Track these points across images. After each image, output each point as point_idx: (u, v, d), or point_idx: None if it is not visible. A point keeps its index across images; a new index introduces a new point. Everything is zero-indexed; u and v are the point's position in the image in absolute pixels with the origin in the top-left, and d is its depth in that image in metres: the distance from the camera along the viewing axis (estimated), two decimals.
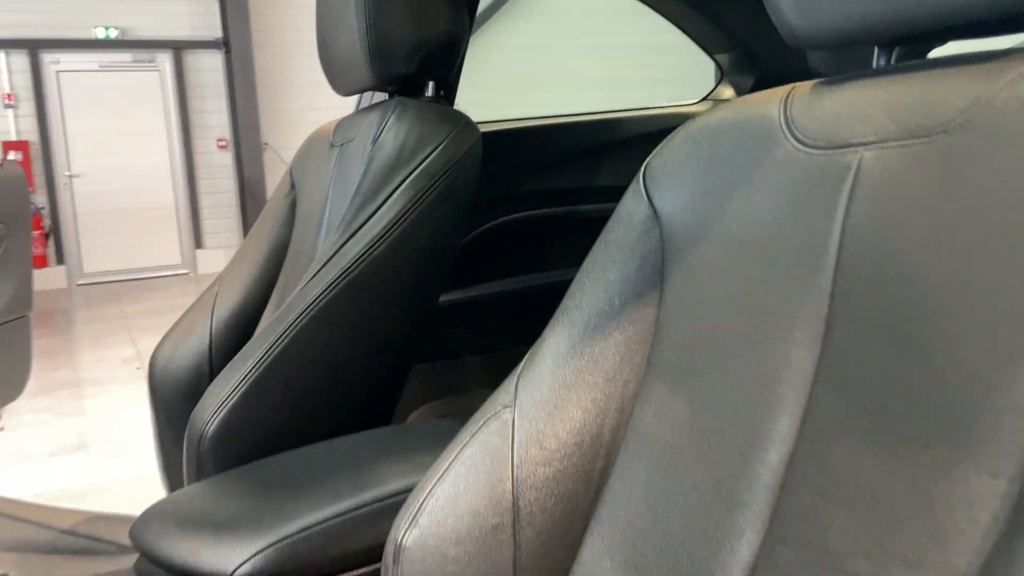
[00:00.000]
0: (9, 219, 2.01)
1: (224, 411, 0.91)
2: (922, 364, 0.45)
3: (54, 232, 6.95)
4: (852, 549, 0.47)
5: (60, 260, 7.00)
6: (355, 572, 0.72)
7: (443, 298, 1.47)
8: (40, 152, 6.79)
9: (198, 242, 7.52)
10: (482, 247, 1.50)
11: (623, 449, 0.64)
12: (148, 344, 4.78)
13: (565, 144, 1.55)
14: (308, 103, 7.46)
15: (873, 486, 0.46)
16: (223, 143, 7.46)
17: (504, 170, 1.50)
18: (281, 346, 0.93)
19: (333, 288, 0.94)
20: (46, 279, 6.91)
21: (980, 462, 0.41)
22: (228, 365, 0.95)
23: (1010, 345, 0.42)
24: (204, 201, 7.50)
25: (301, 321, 0.93)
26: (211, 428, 0.91)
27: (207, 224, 7.56)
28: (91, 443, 3.10)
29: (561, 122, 1.56)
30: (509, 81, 8.07)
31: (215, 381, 0.95)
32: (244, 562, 0.67)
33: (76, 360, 4.45)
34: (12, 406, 3.52)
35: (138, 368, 4.19)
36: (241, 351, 0.95)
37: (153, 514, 0.76)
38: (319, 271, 0.95)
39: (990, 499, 0.41)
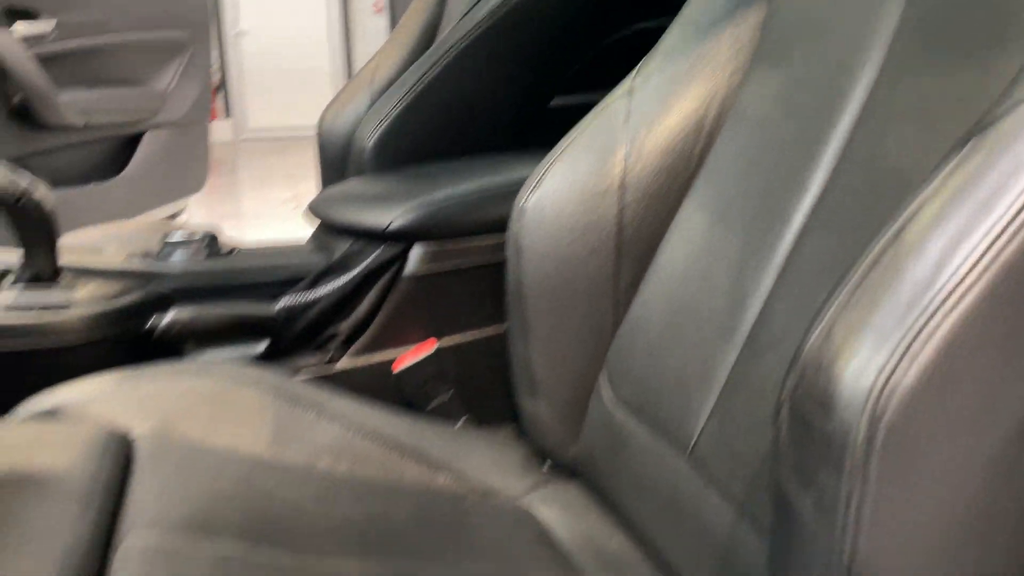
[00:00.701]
0: (193, 27, 2.21)
1: (383, 126, 1.05)
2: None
3: (223, 87, 7.38)
4: (905, 164, 0.54)
5: (227, 114, 7.45)
6: (487, 236, 0.85)
7: (574, 99, 1.55)
8: (211, 7, 7.15)
9: None
10: (623, 52, 1.56)
11: (722, 133, 0.73)
12: (305, 188, 5.10)
13: None
14: None
15: (929, 96, 0.53)
16: (379, 7, 7.62)
17: None
18: (435, 73, 1.05)
19: (481, 26, 1.05)
20: (215, 132, 7.37)
21: (1012, 58, 0.48)
22: (387, 91, 1.09)
23: None
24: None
25: (452, 52, 1.05)
26: (372, 140, 1.06)
27: None
28: None
29: None
30: None
31: (376, 104, 1.09)
32: (396, 218, 0.82)
33: (239, 198, 4.83)
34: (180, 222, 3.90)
35: (295, 208, 4.51)
36: (399, 79, 1.09)
37: (326, 193, 0.92)
38: (470, 10, 1.06)
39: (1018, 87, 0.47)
